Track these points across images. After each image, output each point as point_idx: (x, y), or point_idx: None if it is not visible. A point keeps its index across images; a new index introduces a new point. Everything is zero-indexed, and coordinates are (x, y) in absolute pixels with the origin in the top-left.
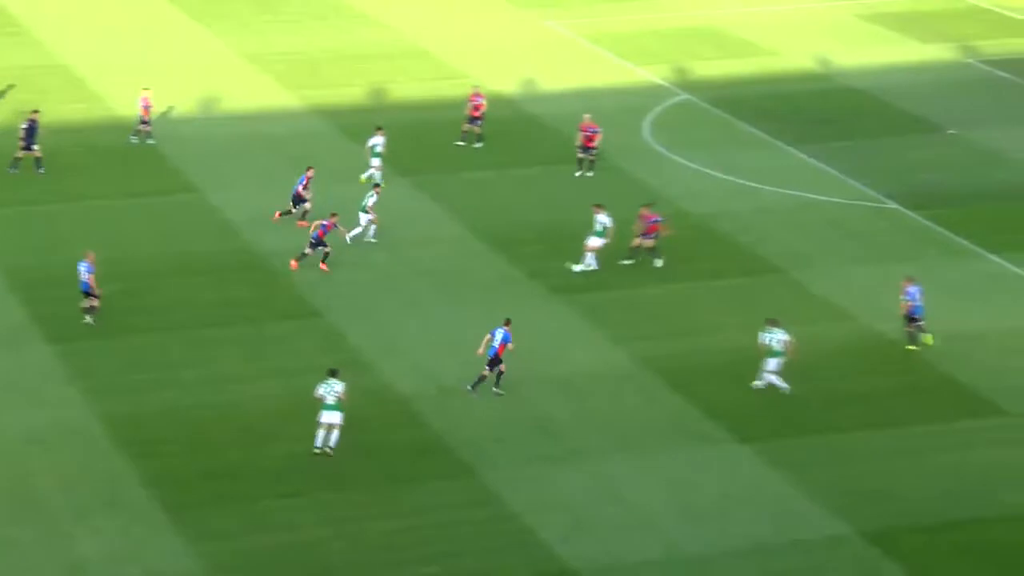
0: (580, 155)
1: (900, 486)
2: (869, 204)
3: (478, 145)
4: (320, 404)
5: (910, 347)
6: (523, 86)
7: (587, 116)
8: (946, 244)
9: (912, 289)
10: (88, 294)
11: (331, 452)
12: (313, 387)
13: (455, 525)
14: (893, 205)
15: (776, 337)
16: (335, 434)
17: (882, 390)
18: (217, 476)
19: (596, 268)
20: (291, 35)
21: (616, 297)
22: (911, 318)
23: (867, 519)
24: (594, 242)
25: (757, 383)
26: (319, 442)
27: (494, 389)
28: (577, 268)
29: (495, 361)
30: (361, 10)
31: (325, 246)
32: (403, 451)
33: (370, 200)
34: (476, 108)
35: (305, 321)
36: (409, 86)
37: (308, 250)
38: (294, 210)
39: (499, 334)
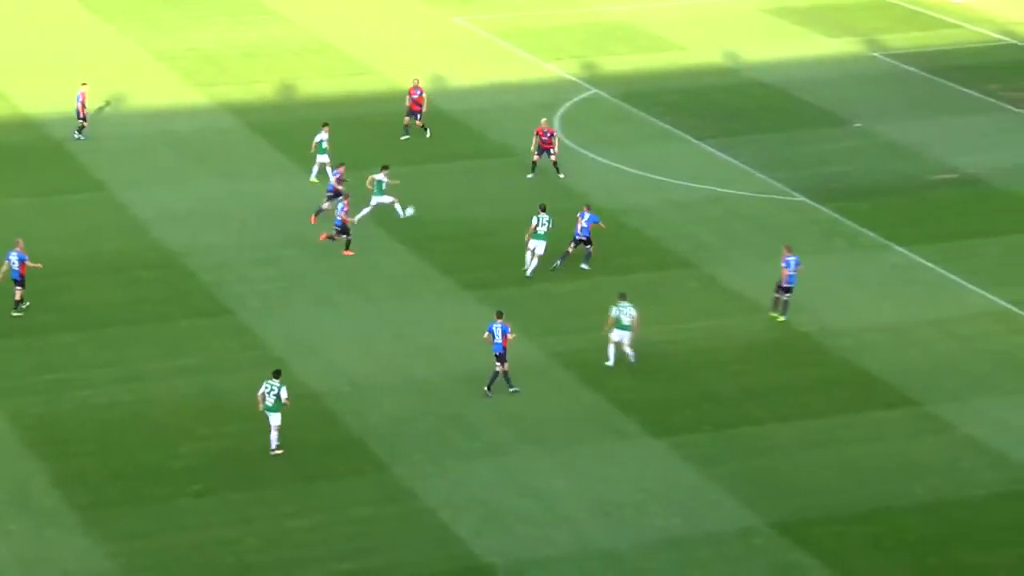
0: (536, 158)
1: (813, 478)
2: (778, 197)
3: (405, 137)
4: (263, 404)
5: (773, 315)
6: (433, 82)
7: (543, 120)
8: (854, 237)
9: (790, 258)
10: (18, 283)
11: (274, 452)
12: (225, 385)
13: (369, 521)
14: (801, 198)
15: (625, 311)
16: (273, 435)
17: (794, 382)
18: (130, 476)
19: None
20: (198, 31)
21: (529, 292)
22: (783, 287)
23: (780, 511)
24: (540, 246)
25: (609, 361)
26: (273, 444)
27: (510, 389)
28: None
29: (503, 357)
30: (269, 6)
31: (348, 233)
32: (316, 448)
33: (383, 178)
34: (416, 101)
35: (216, 319)
36: (318, 82)
37: (337, 237)
38: (326, 207)
39: (497, 329)
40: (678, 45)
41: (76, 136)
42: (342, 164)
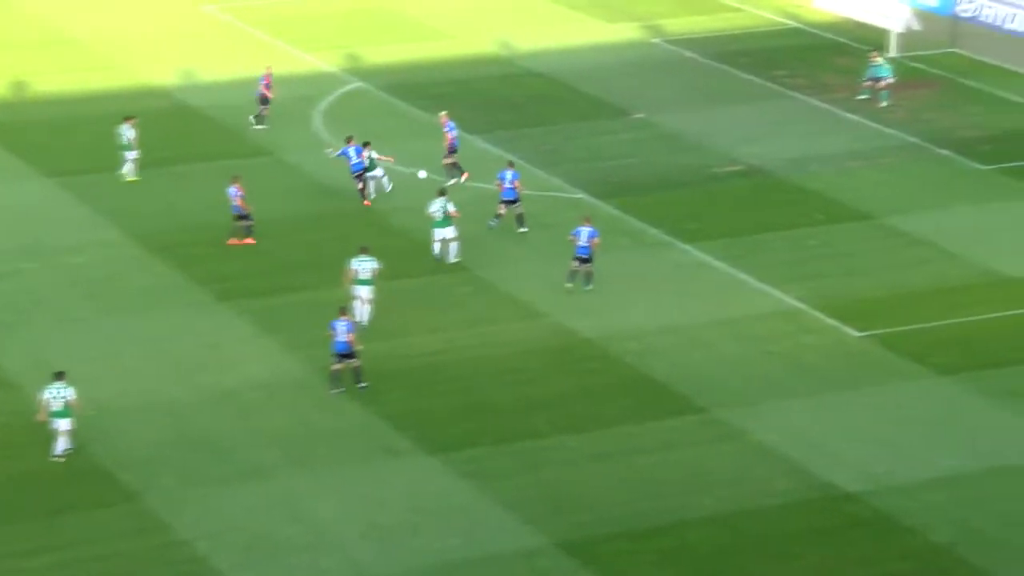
0: (447, 160)
1: (599, 492)
2: (556, 194)
3: (260, 127)
4: (48, 410)
5: (568, 285)
6: (181, 76)
7: (442, 114)
8: (637, 234)
9: (581, 228)
10: None
11: (60, 459)
12: None
13: (119, 556)
14: (581, 195)
15: (364, 265)
16: (62, 441)
17: (577, 391)
18: None
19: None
20: None
21: (291, 301)
22: (577, 257)
23: (565, 529)
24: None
25: (361, 321)
26: (58, 449)
27: (359, 385)
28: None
29: (347, 355)
30: None
31: (248, 219)
32: (59, 478)
33: (373, 153)
34: (268, 85)
35: None
36: (55, 78)
37: (245, 223)
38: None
39: (341, 326)
40: (447, 33)
41: None
42: (349, 138)
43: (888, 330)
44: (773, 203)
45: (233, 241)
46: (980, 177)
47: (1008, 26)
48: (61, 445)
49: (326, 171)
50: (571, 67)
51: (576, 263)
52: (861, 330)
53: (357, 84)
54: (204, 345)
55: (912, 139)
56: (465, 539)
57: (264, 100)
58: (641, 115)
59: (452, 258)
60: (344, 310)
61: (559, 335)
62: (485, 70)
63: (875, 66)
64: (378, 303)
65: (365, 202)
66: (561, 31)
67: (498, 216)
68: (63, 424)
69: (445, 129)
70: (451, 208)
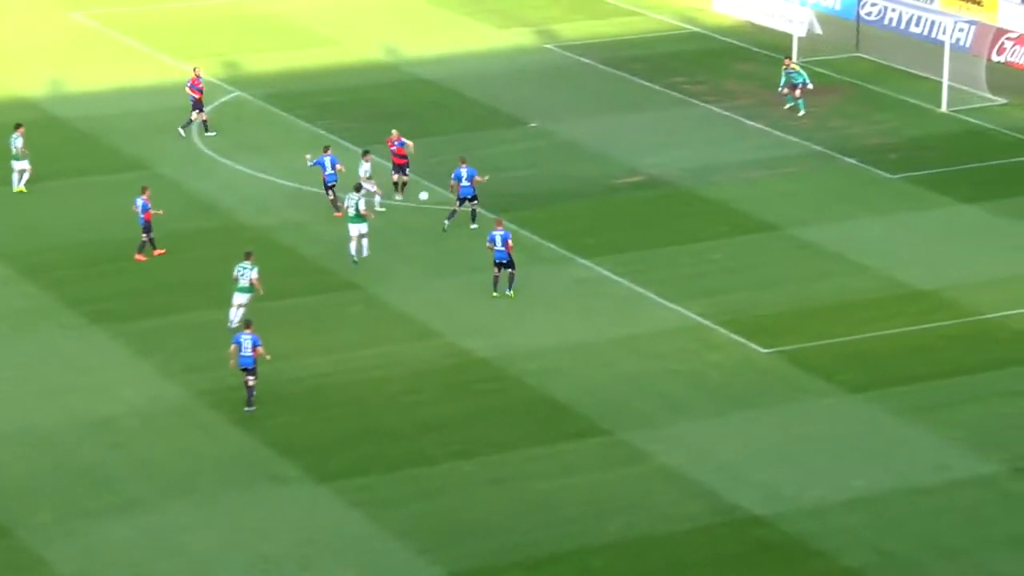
0: (394, 177)
1: (497, 519)
2: (447, 208)
3: (211, 133)
4: None
5: (495, 294)
6: (48, 86)
7: (394, 131)
8: (533, 250)
9: (495, 233)
10: None
11: None
12: None
13: None
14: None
15: (244, 272)
16: None
17: (473, 414)
18: None
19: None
20: None
21: (168, 323)
22: (498, 263)
23: (462, 558)
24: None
25: (231, 323)
26: None
27: (245, 408)
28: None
29: (251, 371)
30: None
31: (148, 233)
32: None
33: (365, 169)
34: (196, 87)
35: None
36: None
37: (145, 237)
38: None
39: (246, 340)
40: (332, 40)
41: None
42: (327, 147)
43: (795, 346)
44: (675, 215)
45: (158, 252)
46: (887, 186)
47: (912, 29)
48: None
49: (205, 186)
50: (462, 74)
51: (497, 270)
52: (767, 346)
53: (236, 93)
54: (76, 370)
55: (817, 147)
56: (358, 571)
57: (198, 105)
58: (536, 124)
59: (364, 252)
60: (248, 323)
61: (454, 355)
62: (372, 78)
63: (791, 72)
64: (260, 322)
65: (336, 213)
66: (450, 37)
67: (452, 215)
68: None
69: (398, 144)
70: (362, 206)
